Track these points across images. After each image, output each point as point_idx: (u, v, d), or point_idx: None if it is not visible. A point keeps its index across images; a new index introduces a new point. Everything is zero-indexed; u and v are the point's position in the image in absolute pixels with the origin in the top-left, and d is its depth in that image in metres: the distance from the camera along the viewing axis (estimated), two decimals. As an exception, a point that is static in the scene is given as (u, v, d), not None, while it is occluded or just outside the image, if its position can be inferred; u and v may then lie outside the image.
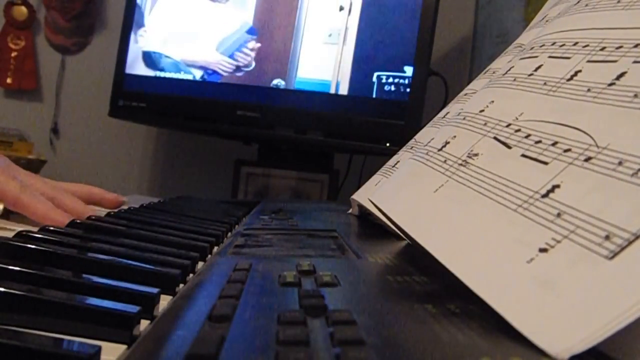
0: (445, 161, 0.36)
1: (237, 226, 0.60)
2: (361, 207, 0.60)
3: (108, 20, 1.55)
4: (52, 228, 0.41)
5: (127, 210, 0.59)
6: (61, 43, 1.55)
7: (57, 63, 1.55)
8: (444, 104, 1.15)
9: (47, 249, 0.34)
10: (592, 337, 0.18)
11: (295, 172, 1.23)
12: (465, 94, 0.55)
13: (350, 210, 0.68)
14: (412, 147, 0.57)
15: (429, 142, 0.41)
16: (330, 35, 1.14)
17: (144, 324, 0.26)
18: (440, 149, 0.38)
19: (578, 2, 0.38)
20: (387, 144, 1.05)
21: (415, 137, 0.59)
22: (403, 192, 0.39)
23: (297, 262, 0.33)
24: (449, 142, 0.38)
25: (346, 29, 1.13)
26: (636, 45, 0.28)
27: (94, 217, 0.49)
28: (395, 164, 0.58)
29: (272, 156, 1.27)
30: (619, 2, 0.33)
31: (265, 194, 1.23)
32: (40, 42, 1.56)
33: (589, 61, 0.31)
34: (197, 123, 1.22)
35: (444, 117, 0.55)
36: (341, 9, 1.14)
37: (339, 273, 0.30)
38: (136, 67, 1.26)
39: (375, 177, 0.60)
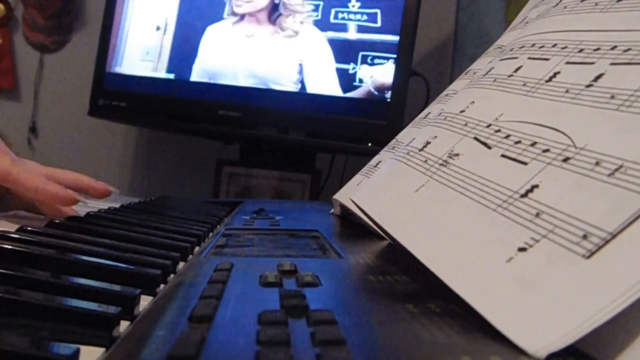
0: (426, 161, 0.36)
1: (218, 226, 0.60)
2: (343, 207, 0.60)
3: (88, 18, 1.53)
4: (29, 228, 0.41)
5: (107, 210, 0.58)
6: (39, 41, 1.53)
7: (36, 61, 1.53)
8: (426, 104, 1.15)
9: (25, 250, 0.34)
10: (569, 335, 0.18)
11: (277, 172, 1.23)
12: (447, 95, 0.56)
13: (332, 210, 0.68)
14: (394, 147, 0.57)
15: (410, 142, 0.42)
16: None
17: (124, 324, 0.26)
18: (421, 149, 0.38)
19: (557, 4, 0.39)
20: (369, 144, 1.05)
21: (397, 137, 0.59)
22: (384, 191, 0.39)
23: (279, 262, 0.33)
24: (429, 142, 0.38)
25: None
26: (613, 48, 0.29)
27: (73, 217, 0.49)
28: (377, 164, 0.58)
29: (254, 156, 1.26)
30: (596, 4, 0.34)
31: (247, 194, 1.23)
32: (18, 40, 1.53)
33: (567, 63, 0.31)
34: (179, 123, 1.21)
35: (426, 117, 0.55)
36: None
37: (320, 273, 0.31)
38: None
39: (357, 177, 0.61)
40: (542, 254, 0.22)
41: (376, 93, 1.09)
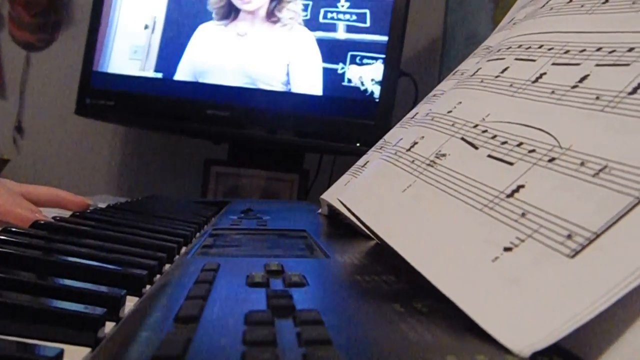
0: (413, 161, 0.36)
1: (206, 226, 0.59)
2: (331, 207, 0.60)
3: (75, 16, 1.52)
4: (14, 229, 0.40)
5: (93, 210, 0.58)
6: (26, 39, 1.52)
7: (22, 60, 1.52)
8: (414, 104, 1.16)
9: (9, 251, 0.33)
10: (553, 334, 0.18)
11: (265, 171, 1.22)
12: (434, 95, 0.56)
13: (319, 210, 0.68)
14: (382, 147, 0.57)
15: (398, 142, 0.42)
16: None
17: (110, 326, 0.25)
18: (409, 149, 0.38)
19: (543, 5, 0.39)
20: (357, 144, 1.05)
21: (385, 137, 0.60)
22: (372, 191, 0.39)
23: (266, 262, 0.33)
24: (417, 143, 0.38)
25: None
26: (599, 49, 0.29)
27: (58, 218, 0.48)
28: (365, 164, 0.58)
29: (242, 156, 1.26)
30: (582, 6, 0.34)
31: (235, 193, 1.22)
32: (3, 38, 1.52)
33: (553, 64, 0.31)
34: (167, 122, 1.21)
35: (413, 117, 0.55)
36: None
37: (307, 273, 0.31)
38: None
39: (345, 177, 0.61)
40: (527, 254, 0.22)
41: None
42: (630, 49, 0.27)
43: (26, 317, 0.24)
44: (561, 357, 0.19)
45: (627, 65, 0.26)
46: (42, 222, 0.45)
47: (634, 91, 0.24)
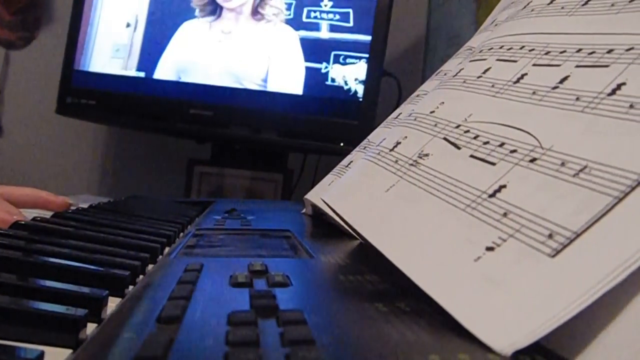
0: (396, 161, 0.37)
1: (189, 226, 0.59)
2: (315, 207, 0.60)
3: (56, 14, 1.50)
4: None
5: (75, 210, 0.57)
6: (5, 37, 1.50)
7: (1, 58, 1.50)
8: (397, 104, 1.16)
9: (-11, 252, 0.33)
10: (534, 332, 0.19)
11: (249, 171, 1.22)
12: (417, 95, 0.56)
13: (303, 210, 0.68)
14: (365, 147, 0.58)
15: (381, 142, 0.42)
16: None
17: (92, 327, 0.25)
18: (392, 149, 0.39)
19: (525, 6, 0.39)
20: (341, 144, 1.05)
21: (369, 137, 0.60)
22: (355, 191, 0.39)
23: (250, 263, 0.33)
24: (400, 143, 0.38)
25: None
26: (579, 50, 0.29)
27: (39, 218, 0.48)
28: (349, 164, 0.59)
29: (226, 155, 1.25)
30: (563, 8, 0.34)
31: (218, 193, 1.22)
32: (-17, 36, 1.50)
33: (534, 65, 0.32)
34: (149, 121, 1.20)
35: (397, 117, 0.55)
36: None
37: (291, 273, 0.31)
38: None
39: (329, 177, 0.61)
40: (509, 253, 0.22)
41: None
42: (610, 51, 0.27)
43: (6, 319, 0.24)
44: (542, 355, 0.19)
45: (607, 66, 0.26)
46: (22, 222, 0.44)
47: (613, 92, 0.25)
